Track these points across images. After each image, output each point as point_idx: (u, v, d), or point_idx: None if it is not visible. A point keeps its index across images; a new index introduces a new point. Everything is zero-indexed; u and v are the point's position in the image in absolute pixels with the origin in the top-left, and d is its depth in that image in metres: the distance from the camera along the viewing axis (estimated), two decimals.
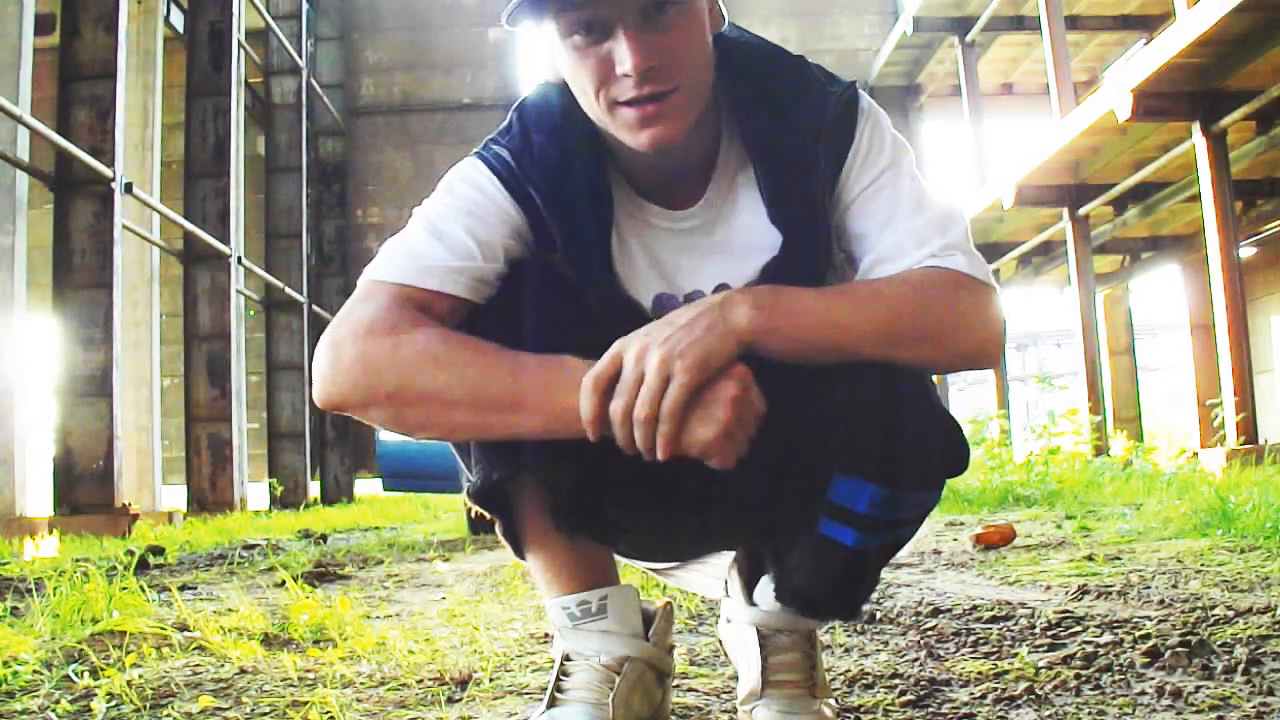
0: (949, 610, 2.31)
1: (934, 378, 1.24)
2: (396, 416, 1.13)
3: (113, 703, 1.59)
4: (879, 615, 2.32)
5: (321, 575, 3.61)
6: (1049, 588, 2.64)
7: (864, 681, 1.65)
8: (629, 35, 1.09)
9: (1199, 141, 7.95)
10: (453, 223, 1.20)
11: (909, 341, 1.13)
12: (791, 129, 1.21)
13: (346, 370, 1.12)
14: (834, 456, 1.14)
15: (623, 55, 1.10)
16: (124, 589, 2.39)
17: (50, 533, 6.41)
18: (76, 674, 1.77)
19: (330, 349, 1.14)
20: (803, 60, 1.27)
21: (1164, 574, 2.74)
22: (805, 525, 1.17)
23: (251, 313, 12.73)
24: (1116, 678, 1.59)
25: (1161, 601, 2.28)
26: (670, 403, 1.03)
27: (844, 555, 1.16)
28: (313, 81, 14.94)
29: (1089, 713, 1.41)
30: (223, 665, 1.91)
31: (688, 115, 1.15)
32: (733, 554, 1.43)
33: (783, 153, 1.21)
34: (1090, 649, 1.77)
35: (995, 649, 1.87)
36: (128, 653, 1.93)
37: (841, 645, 2.00)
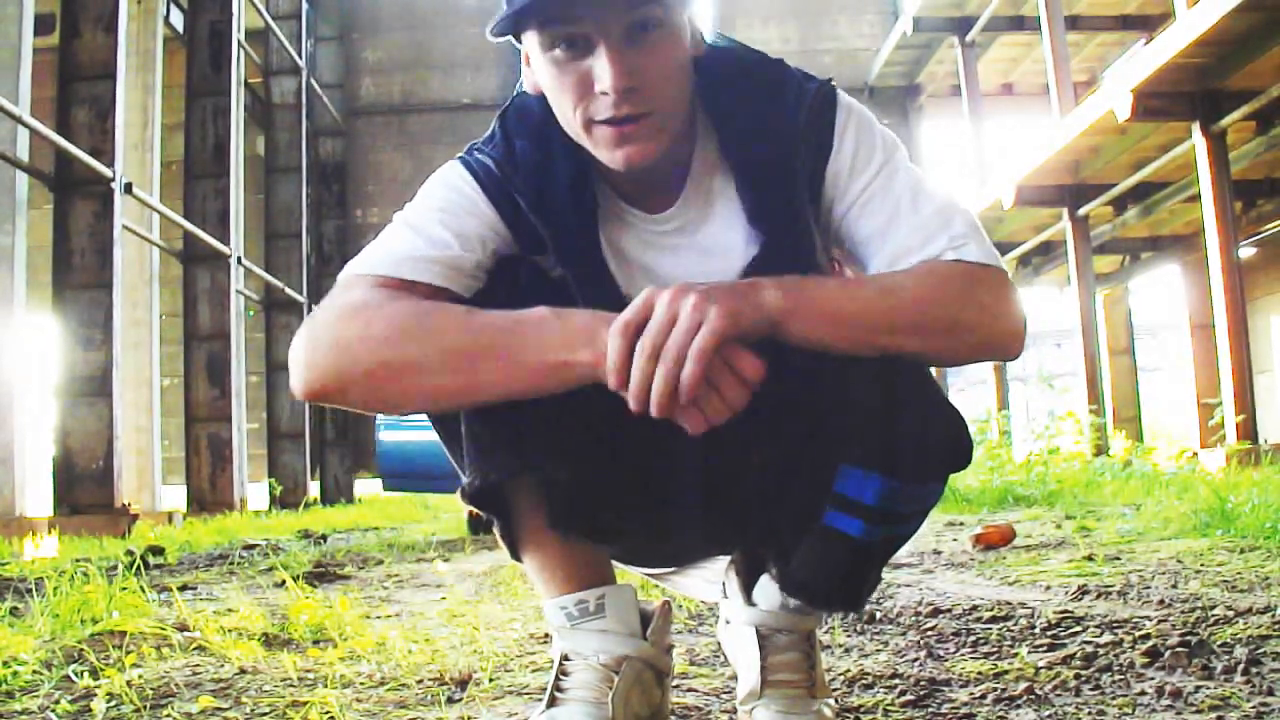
0: (949, 610, 2.31)
1: (933, 370, 1.23)
2: (377, 394, 1.12)
3: (113, 703, 1.59)
4: (879, 615, 2.32)
5: (321, 575, 3.61)
6: (1049, 588, 2.64)
7: (864, 681, 1.65)
8: (611, 54, 1.09)
9: (1199, 141, 7.95)
10: (428, 219, 1.21)
11: (929, 332, 1.13)
12: (769, 130, 1.21)
13: (322, 356, 1.13)
14: (841, 449, 1.14)
15: (603, 73, 1.09)
16: (124, 589, 2.39)
17: (50, 533, 6.40)
18: (76, 674, 1.77)
19: (306, 338, 1.14)
20: (781, 62, 1.27)
21: (1164, 574, 2.74)
22: (811, 518, 1.18)
23: (251, 313, 12.72)
24: (1116, 678, 1.59)
25: (1161, 601, 2.28)
26: (701, 343, 1.01)
27: (850, 546, 1.17)
28: (312, 81, 14.92)
29: (1089, 713, 1.41)
30: (223, 665, 1.91)
31: (664, 137, 1.15)
32: (729, 557, 1.43)
33: (761, 154, 1.21)
34: (1090, 649, 1.77)
35: (995, 649, 1.87)
36: (128, 653, 1.93)
37: (841, 645, 2.00)
